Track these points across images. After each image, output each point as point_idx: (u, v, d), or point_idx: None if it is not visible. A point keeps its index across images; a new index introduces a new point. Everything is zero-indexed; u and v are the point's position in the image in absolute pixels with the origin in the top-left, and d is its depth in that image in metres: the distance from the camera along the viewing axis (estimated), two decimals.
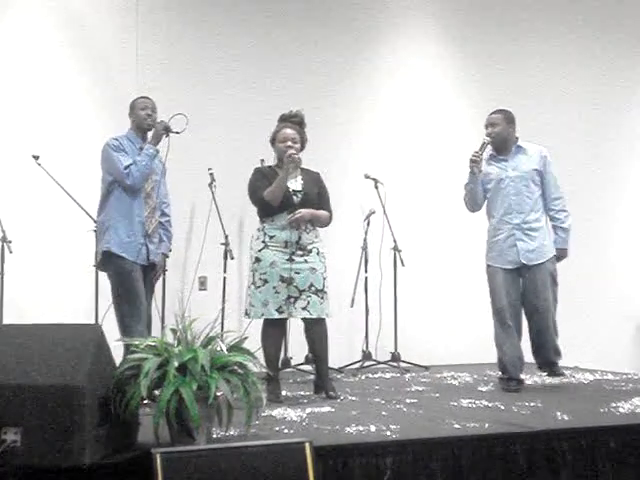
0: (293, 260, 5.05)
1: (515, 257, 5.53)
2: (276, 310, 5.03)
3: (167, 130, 5.13)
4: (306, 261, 5.07)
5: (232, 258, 6.73)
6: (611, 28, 8.33)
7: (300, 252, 5.07)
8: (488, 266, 5.63)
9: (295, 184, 5.16)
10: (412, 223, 7.36)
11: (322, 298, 5.08)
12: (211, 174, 6.69)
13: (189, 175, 6.61)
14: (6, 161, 6.40)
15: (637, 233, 8.36)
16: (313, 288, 5.06)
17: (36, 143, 6.28)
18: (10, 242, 6.00)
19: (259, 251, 5.10)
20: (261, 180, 5.15)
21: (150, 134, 5.20)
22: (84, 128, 6.55)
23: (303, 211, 5.07)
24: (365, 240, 6.97)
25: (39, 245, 6.36)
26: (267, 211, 5.12)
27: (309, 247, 5.11)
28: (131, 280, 5.03)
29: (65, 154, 6.44)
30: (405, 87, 7.70)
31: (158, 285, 6.36)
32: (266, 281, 5.04)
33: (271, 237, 5.08)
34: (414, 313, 7.27)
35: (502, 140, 5.60)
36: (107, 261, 5.11)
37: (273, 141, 5.23)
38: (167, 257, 5.47)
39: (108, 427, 3.38)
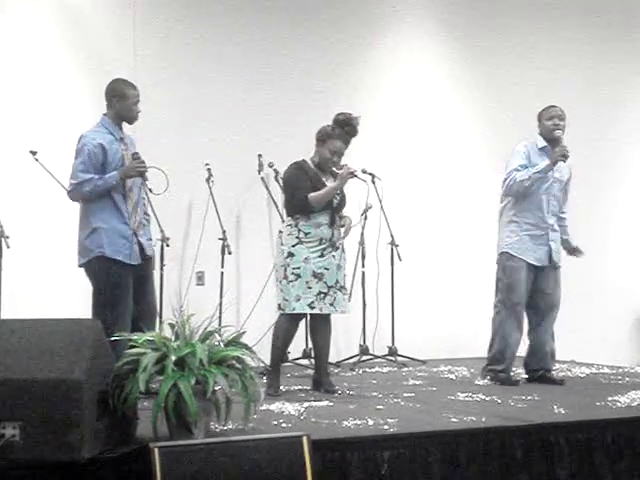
0: (323, 256, 5.13)
1: (544, 256, 5.59)
2: (308, 305, 5.07)
3: (141, 177, 4.86)
4: (334, 257, 5.17)
5: (229, 253, 6.72)
6: (614, 22, 8.32)
7: (330, 249, 5.16)
8: (511, 256, 5.59)
9: None
10: (409, 218, 7.35)
11: (344, 295, 5.23)
12: (208, 169, 6.67)
13: (186, 170, 6.60)
14: (4, 157, 6.39)
15: (635, 227, 8.37)
16: (338, 285, 5.17)
17: (34, 139, 6.26)
18: (8, 237, 5.98)
19: (292, 246, 5.13)
20: (304, 180, 5.18)
21: (124, 168, 4.82)
22: (81, 124, 6.50)
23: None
24: (362, 235, 6.97)
25: (37, 240, 6.34)
26: (305, 211, 5.15)
27: (337, 244, 5.22)
28: (122, 287, 4.79)
29: (62, 150, 6.38)
30: (402, 82, 7.69)
31: (155, 280, 6.39)
32: (299, 276, 5.08)
33: (306, 234, 5.13)
34: (411, 307, 7.26)
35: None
36: (99, 266, 4.80)
37: (322, 141, 5.23)
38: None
39: (107, 421, 3.39)
